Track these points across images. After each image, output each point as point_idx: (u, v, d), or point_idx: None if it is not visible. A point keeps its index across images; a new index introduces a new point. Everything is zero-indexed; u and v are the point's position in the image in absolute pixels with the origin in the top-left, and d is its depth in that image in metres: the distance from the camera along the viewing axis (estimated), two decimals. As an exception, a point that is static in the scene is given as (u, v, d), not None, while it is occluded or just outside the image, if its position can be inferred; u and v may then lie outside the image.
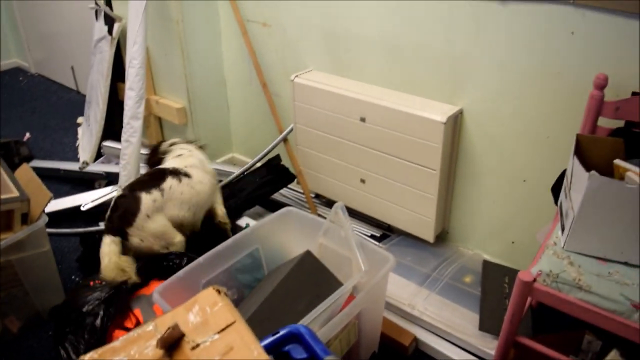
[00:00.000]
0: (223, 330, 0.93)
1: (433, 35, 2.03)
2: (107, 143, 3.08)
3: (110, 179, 2.89)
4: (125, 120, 2.57)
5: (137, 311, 1.87)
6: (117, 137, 2.98)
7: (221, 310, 0.98)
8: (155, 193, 1.99)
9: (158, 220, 1.98)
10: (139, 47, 2.54)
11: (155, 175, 2.07)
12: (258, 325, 1.44)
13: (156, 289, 1.61)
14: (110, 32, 2.95)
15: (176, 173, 2.07)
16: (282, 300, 1.57)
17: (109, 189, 2.74)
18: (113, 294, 1.84)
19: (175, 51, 2.78)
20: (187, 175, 2.09)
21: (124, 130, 2.58)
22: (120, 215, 1.94)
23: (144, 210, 1.95)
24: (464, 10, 1.91)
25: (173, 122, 2.96)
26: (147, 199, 1.96)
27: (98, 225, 2.58)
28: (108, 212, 1.98)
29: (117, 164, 2.75)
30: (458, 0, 1.90)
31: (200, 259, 1.76)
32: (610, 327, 1.35)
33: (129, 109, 2.57)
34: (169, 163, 2.18)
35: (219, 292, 1.03)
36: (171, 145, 2.33)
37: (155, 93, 3.08)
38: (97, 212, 2.67)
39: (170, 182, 2.03)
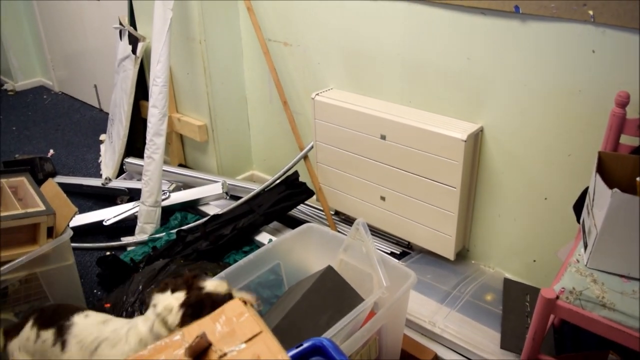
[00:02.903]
0: (250, 340, 0.95)
1: (453, 53, 2.05)
2: (129, 160, 3.13)
3: (132, 194, 2.93)
4: (148, 137, 2.62)
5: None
6: (139, 154, 3.04)
7: (247, 321, 0.99)
8: None
9: None
10: (163, 66, 2.60)
11: None
12: (280, 338, 1.44)
13: (179, 303, 1.62)
14: (134, 51, 3.02)
15: None
16: (303, 314, 1.58)
17: (131, 204, 2.78)
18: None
19: (198, 70, 2.83)
20: None
21: (147, 146, 2.62)
22: None
23: None
24: (484, 29, 1.93)
25: (194, 139, 3.00)
26: None
27: (120, 240, 2.62)
28: None
29: (139, 180, 2.79)
30: (478, 18, 1.92)
31: (222, 273, 1.77)
32: (634, 345, 1.33)
33: (152, 126, 2.61)
34: None
35: (245, 302, 1.04)
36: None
37: (177, 111, 3.14)
38: (119, 227, 2.71)
39: None
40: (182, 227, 2.54)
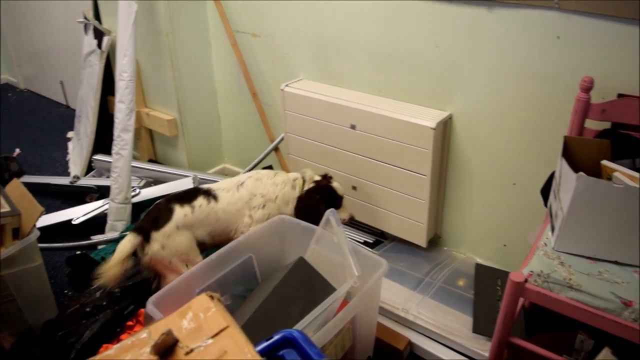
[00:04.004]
0: (217, 334, 0.94)
1: (422, 42, 2.05)
2: (97, 157, 3.08)
3: (102, 192, 2.88)
4: (116, 133, 2.57)
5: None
6: (107, 151, 2.98)
7: (214, 316, 0.98)
8: (187, 208, 1.99)
9: (185, 236, 1.97)
10: (129, 60, 2.55)
11: (190, 192, 2.08)
12: (253, 332, 1.43)
13: (150, 300, 1.60)
14: (99, 45, 2.96)
15: (207, 193, 2.05)
16: (276, 307, 1.57)
17: (100, 202, 2.73)
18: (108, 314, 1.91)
19: (165, 63, 2.79)
20: (215, 197, 2.05)
21: (114, 143, 2.58)
22: (152, 219, 1.97)
23: (174, 220, 1.96)
24: (452, 17, 1.93)
25: (164, 134, 2.97)
26: (179, 211, 1.97)
27: (90, 239, 2.58)
28: (142, 216, 2.05)
29: (108, 177, 2.74)
30: (446, 6, 1.92)
31: (194, 268, 1.76)
32: (601, 325, 1.36)
33: (119, 122, 2.57)
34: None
35: (212, 297, 1.03)
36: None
37: (145, 105, 3.09)
38: (90, 225, 2.67)
39: (200, 201, 2.02)
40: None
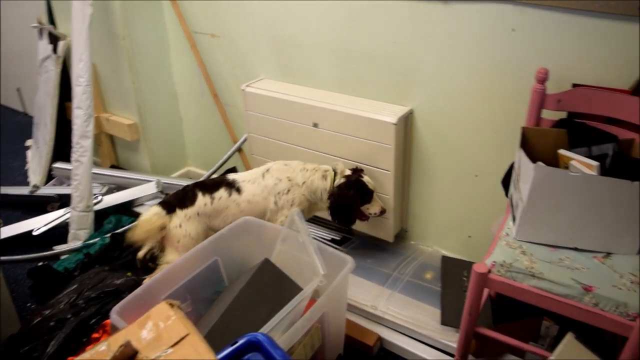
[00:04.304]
0: (177, 343, 0.92)
1: (380, 38, 2.05)
2: (57, 165, 3.00)
3: (63, 201, 2.81)
4: (75, 139, 2.52)
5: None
6: (67, 158, 2.91)
7: (174, 324, 0.96)
8: (207, 198, 2.05)
9: (201, 226, 2.05)
10: (85, 65, 2.50)
11: (215, 181, 2.12)
12: (220, 337, 1.42)
13: (114, 309, 1.57)
14: (55, 50, 2.89)
15: (230, 185, 2.09)
16: (242, 310, 1.56)
17: (61, 211, 2.67)
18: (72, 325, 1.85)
19: (123, 67, 2.74)
20: (238, 190, 2.08)
21: (73, 150, 2.52)
22: (180, 198, 2.05)
23: (197, 206, 2.04)
24: (408, 12, 1.94)
25: (125, 138, 2.91)
26: (200, 199, 2.04)
27: (52, 250, 2.52)
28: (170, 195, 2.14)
29: (69, 185, 2.68)
30: (402, 2, 1.93)
31: (159, 274, 1.73)
32: (563, 311, 1.38)
33: (77, 128, 2.51)
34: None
35: (172, 305, 1.01)
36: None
37: (105, 110, 3.03)
38: (52, 235, 2.60)
39: (221, 193, 2.06)
40: (117, 231, 2.46)
